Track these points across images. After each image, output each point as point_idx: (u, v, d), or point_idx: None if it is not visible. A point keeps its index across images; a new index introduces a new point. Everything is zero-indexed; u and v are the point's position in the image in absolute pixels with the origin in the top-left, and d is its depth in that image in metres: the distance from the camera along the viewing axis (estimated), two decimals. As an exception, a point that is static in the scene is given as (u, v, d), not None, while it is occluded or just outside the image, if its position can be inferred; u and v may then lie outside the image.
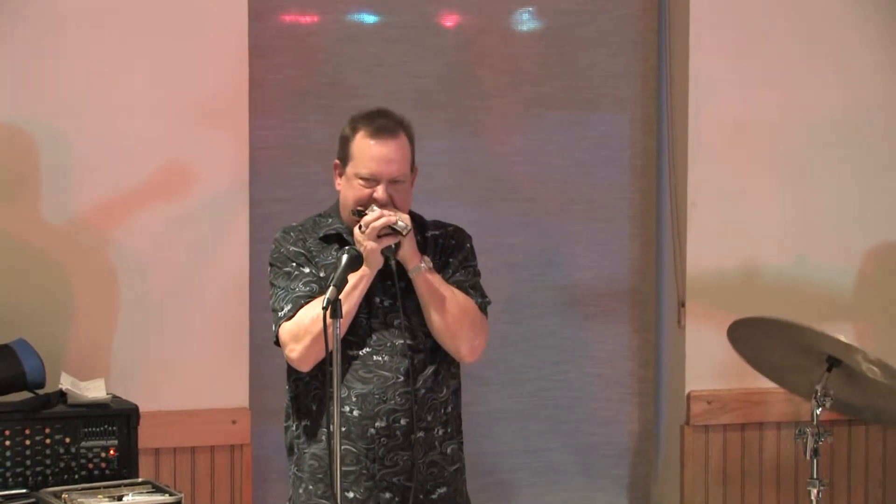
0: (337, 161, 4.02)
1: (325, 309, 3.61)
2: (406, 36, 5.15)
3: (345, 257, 3.76)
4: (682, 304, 5.34)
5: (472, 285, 4.05)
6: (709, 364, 5.31)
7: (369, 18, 5.14)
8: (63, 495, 4.09)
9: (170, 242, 4.76)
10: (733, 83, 5.31)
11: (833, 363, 4.31)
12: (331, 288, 3.65)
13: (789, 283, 5.36)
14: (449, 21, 5.22)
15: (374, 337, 3.95)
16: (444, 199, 5.07)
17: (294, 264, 3.98)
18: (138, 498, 4.10)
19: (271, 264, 4.04)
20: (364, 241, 3.86)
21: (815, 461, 4.39)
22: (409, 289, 3.96)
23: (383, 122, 3.97)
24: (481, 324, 4.04)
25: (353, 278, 3.86)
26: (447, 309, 3.95)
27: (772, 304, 5.23)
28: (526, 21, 5.32)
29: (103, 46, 4.68)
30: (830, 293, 5.41)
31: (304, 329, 3.87)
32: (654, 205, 5.44)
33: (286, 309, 3.94)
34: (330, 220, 4.04)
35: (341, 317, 3.64)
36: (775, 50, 5.34)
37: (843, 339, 4.24)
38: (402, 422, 3.94)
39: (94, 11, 4.66)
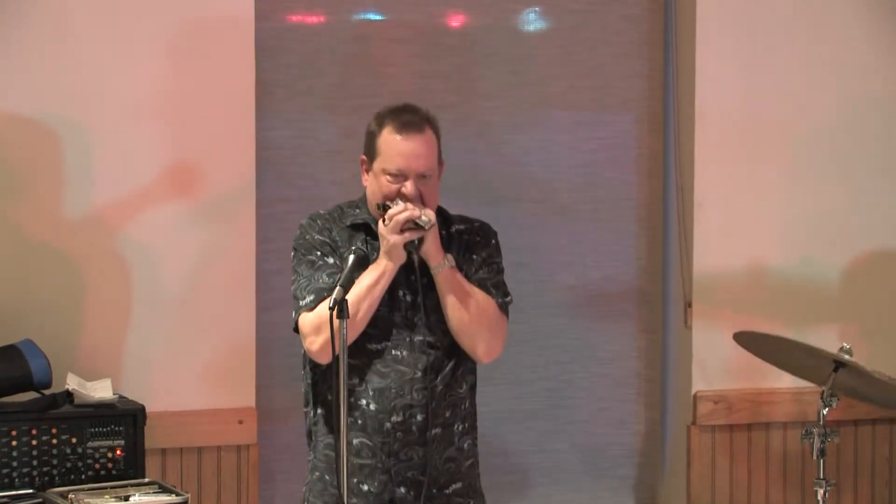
0: (363, 157, 4.01)
1: (331, 309, 3.61)
2: (412, 36, 5.15)
3: (351, 257, 3.75)
4: (689, 305, 5.34)
5: (494, 284, 4.04)
6: (715, 364, 5.30)
7: (376, 18, 5.14)
8: (69, 495, 4.10)
9: (176, 242, 4.76)
10: (740, 83, 5.30)
11: (839, 365, 4.32)
12: (337, 288, 3.64)
13: (796, 284, 5.35)
14: (455, 21, 5.22)
15: (394, 331, 3.96)
16: (450, 199, 5.02)
17: (318, 253, 3.97)
18: (145, 498, 4.10)
19: (295, 249, 4.02)
20: (387, 235, 3.86)
21: (821, 461, 4.40)
22: (430, 285, 3.96)
23: (409, 118, 3.96)
24: (499, 325, 4.03)
25: (375, 273, 3.87)
26: (466, 309, 3.95)
27: (778, 304, 5.24)
28: (532, 21, 5.31)
29: (111, 47, 4.68)
30: (838, 293, 5.40)
31: (324, 321, 3.79)
32: (660, 205, 5.43)
33: (308, 299, 3.92)
34: (357, 211, 4.04)
35: (348, 317, 3.63)
36: (782, 50, 5.34)
37: (847, 358, 4.26)
38: (418, 417, 3.94)
39: (102, 11, 4.66)
